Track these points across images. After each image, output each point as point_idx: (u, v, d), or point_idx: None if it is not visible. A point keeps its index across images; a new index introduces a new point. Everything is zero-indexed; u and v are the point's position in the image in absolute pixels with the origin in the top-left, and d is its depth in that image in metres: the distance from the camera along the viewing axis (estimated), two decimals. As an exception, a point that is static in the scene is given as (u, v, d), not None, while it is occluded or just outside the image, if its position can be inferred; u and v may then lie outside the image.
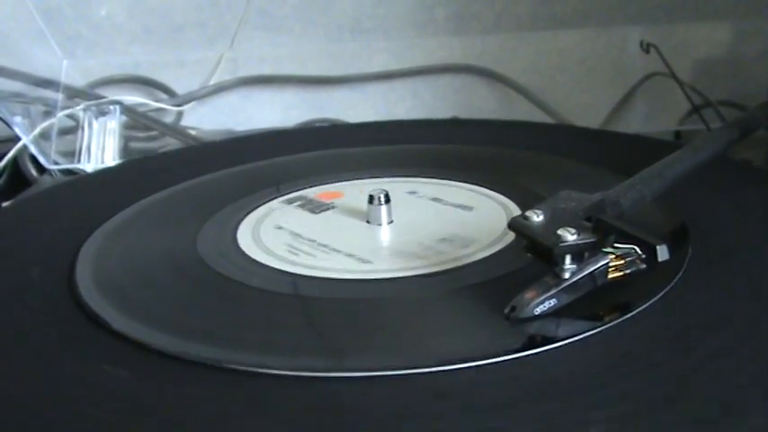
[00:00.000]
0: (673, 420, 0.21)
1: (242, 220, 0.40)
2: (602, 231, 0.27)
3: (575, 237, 0.27)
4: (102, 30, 0.69)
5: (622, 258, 0.28)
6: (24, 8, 0.66)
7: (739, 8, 0.67)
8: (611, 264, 0.28)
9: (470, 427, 0.22)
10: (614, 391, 0.23)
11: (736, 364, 0.24)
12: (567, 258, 0.27)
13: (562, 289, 0.27)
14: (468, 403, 0.23)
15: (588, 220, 0.28)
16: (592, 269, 0.27)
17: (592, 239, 0.27)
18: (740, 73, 0.68)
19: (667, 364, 0.24)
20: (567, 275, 0.27)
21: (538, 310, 0.27)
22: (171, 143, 0.66)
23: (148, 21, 0.69)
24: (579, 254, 0.27)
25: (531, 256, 0.29)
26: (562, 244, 0.27)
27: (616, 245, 0.28)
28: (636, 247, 0.28)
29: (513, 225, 0.29)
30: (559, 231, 0.27)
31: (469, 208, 0.40)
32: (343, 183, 0.46)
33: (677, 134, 0.66)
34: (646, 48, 0.62)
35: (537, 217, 0.28)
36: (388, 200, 0.38)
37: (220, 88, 0.70)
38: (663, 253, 0.26)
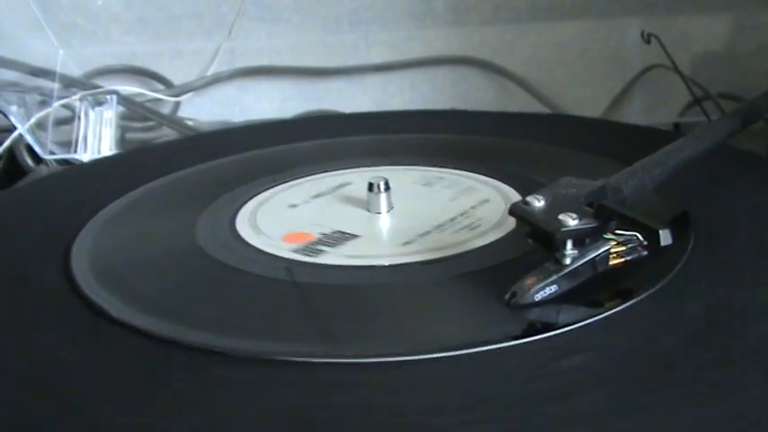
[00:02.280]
0: (674, 408, 0.21)
1: (240, 207, 0.40)
2: (603, 217, 0.27)
3: (576, 222, 0.27)
4: (99, 19, 0.68)
5: (624, 245, 0.28)
6: (21, -3, 0.65)
7: (739, 1, 0.67)
8: (612, 250, 0.27)
9: (470, 414, 0.22)
10: (615, 379, 0.23)
11: (738, 351, 0.24)
12: (569, 244, 0.27)
13: (563, 275, 0.27)
14: (467, 390, 0.23)
15: (590, 206, 0.28)
16: (593, 255, 0.27)
17: (593, 224, 0.27)
18: (739, 66, 0.67)
19: (668, 352, 0.24)
20: (568, 261, 0.27)
21: (538, 297, 0.27)
22: (168, 134, 0.66)
23: (145, 11, 0.68)
24: (580, 239, 0.27)
25: (532, 241, 0.28)
26: (563, 229, 0.26)
27: (617, 231, 0.28)
28: (637, 234, 0.27)
29: (514, 210, 0.29)
30: (561, 216, 0.27)
31: (469, 196, 0.40)
32: (343, 171, 0.45)
33: (677, 126, 0.65)
34: (647, 38, 0.61)
35: (538, 202, 0.28)
36: (387, 188, 0.38)
37: (218, 79, 0.70)
38: (666, 237, 0.26)
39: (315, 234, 0.36)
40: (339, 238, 0.35)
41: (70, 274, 0.32)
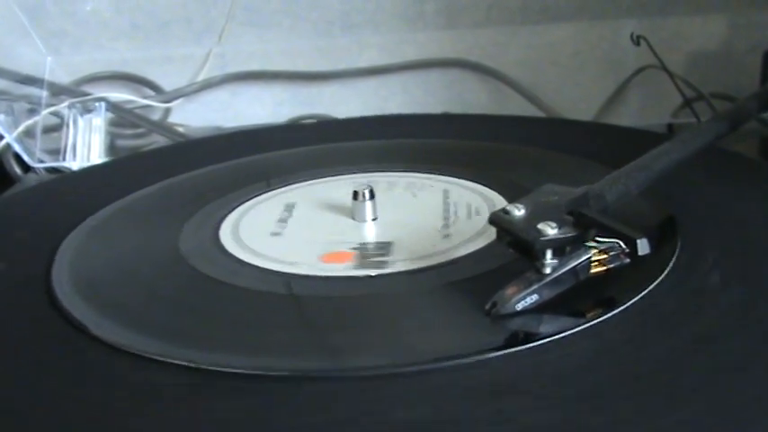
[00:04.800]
0: (657, 417, 0.21)
1: (225, 217, 0.40)
2: (583, 225, 0.27)
3: (555, 231, 0.26)
4: (88, 26, 0.68)
5: (605, 253, 0.27)
6: (7, 4, 0.65)
7: (731, 1, 0.67)
8: (593, 258, 0.27)
9: (450, 424, 0.21)
10: (597, 389, 0.22)
11: (724, 358, 0.24)
12: (549, 253, 0.26)
13: (544, 284, 0.27)
14: (446, 401, 0.22)
15: (571, 214, 0.28)
16: (574, 264, 0.27)
17: (573, 234, 0.27)
18: (732, 66, 0.67)
19: (652, 360, 0.24)
20: (548, 270, 0.27)
21: (519, 306, 0.26)
22: (158, 140, 0.65)
23: (135, 17, 0.68)
24: (561, 248, 0.27)
25: (512, 251, 0.28)
26: (542, 238, 0.26)
27: (599, 239, 0.27)
28: (619, 242, 0.27)
29: (493, 219, 0.28)
30: (540, 226, 0.27)
31: (457, 202, 0.40)
32: (330, 178, 0.45)
33: (670, 127, 0.65)
34: (636, 40, 0.61)
35: (518, 211, 0.28)
36: (372, 195, 0.38)
37: (208, 84, 0.69)
38: (643, 246, 0.25)
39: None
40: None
41: (50, 288, 0.32)
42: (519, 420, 0.21)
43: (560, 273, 0.27)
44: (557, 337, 0.25)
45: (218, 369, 0.25)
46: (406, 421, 0.22)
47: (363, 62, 0.71)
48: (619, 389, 0.22)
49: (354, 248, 0.34)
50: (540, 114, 0.68)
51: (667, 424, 0.21)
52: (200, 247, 0.36)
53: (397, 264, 0.32)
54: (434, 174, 0.44)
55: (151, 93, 0.69)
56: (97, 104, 0.59)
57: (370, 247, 0.35)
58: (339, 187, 0.43)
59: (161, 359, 0.25)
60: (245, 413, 0.23)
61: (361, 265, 0.32)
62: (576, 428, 0.21)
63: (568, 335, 0.25)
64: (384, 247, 0.34)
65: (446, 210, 0.39)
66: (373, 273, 0.32)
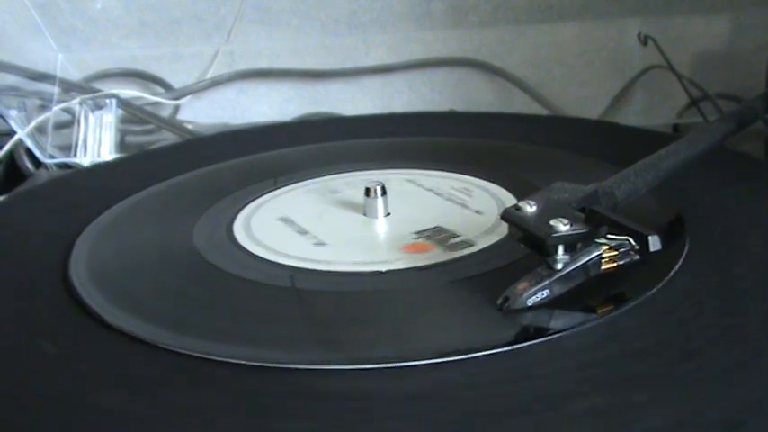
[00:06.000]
0: (667, 413, 0.21)
1: (238, 212, 0.40)
2: (594, 222, 0.27)
3: (567, 227, 0.27)
4: (98, 23, 0.69)
5: (615, 249, 0.28)
6: (20, 1, 0.65)
7: (737, 1, 0.67)
8: (604, 255, 0.27)
9: (460, 420, 0.22)
10: (607, 384, 0.23)
11: (733, 356, 0.24)
12: (560, 249, 0.27)
13: (555, 280, 0.27)
14: (457, 397, 0.23)
15: (582, 211, 0.28)
16: (585, 260, 0.27)
17: (584, 230, 0.27)
18: (738, 66, 0.67)
19: (662, 357, 0.24)
20: (559, 266, 0.27)
21: (530, 301, 0.27)
22: (167, 137, 0.66)
23: (145, 14, 0.69)
24: (572, 245, 0.27)
25: (524, 246, 0.28)
26: (554, 235, 0.27)
27: (610, 236, 0.28)
28: (630, 239, 0.27)
29: (505, 216, 0.29)
30: (552, 222, 0.27)
31: (466, 200, 0.40)
32: (340, 175, 0.46)
33: (675, 127, 0.65)
34: (643, 40, 0.62)
35: (530, 208, 0.28)
36: (384, 192, 0.38)
37: (217, 82, 0.70)
38: (654, 243, 0.26)
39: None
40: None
41: (68, 280, 0.32)
42: (531, 414, 0.22)
43: (571, 269, 0.27)
44: (567, 332, 0.26)
45: (230, 360, 0.25)
46: (418, 415, 0.22)
47: (370, 60, 0.71)
48: (628, 384, 0.23)
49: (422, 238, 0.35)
50: (546, 113, 0.69)
51: (677, 418, 0.21)
52: (214, 242, 0.36)
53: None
54: (442, 171, 0.45)
55: (160, 90, 0.70)
56: (108, 101, 0.60)
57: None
58: (348, 185, 0.43)
59: (176, 350, 0.26)
60: (254, 405, 0.23)
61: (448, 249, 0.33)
62: (584, 422, 0.21)
63: (579, 330, 0.26)
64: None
65: (456, 207, 0.39)
66: (384, 269, 0.32)
